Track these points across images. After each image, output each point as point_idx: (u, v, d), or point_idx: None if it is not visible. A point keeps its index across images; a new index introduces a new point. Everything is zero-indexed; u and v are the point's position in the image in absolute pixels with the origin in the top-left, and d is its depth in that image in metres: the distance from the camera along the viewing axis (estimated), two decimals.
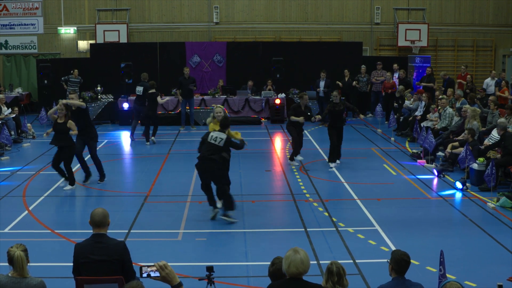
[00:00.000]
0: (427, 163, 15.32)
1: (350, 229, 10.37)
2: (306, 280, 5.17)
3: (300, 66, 24.37)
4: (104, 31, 26.30)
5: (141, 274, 4.76)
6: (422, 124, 17.40)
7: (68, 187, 13.00)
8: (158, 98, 18.63)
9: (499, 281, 7.26)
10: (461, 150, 13.69)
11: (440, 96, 18.01)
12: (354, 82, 23.53)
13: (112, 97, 23.07)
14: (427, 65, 23.73)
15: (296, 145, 15.34)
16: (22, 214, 11.33)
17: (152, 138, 18.49)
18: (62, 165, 12.97)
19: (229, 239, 10.17)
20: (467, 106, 16.18)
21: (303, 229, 10.42)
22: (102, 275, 5.89)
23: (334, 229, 10.42)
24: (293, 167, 15.02)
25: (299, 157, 15.38)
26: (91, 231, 6.10)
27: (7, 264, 5.66)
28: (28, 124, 19.70)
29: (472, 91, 20.71)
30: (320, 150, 16.66)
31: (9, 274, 5.61)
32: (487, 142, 14.16)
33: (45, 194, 12.73)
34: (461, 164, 13.64)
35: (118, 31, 26.37)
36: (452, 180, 13.64)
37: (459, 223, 11.07)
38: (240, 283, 8.26)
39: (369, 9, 27.38)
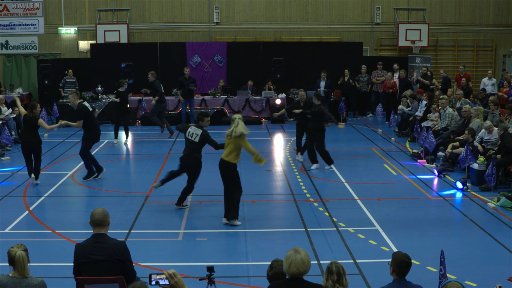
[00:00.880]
0: (428, 163, 15.33)
1: (351, 229, 10.37)
2: (306, 280, 5.18)
3: (301, 66, 24.39)
4: (104, 31, 26.30)
5: (150, 281, 4.77)
6: (422, 124, 17.40)
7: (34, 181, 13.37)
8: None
9: (499, 282, 7.25)
10: (462, 150, 13.69)
11: (441, 96, 18.01)
12: (350, 81, 23.53)
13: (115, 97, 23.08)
14: (426, 65, 23.73)
15: (297, 145, 15.64)
16: (23, 214, 11.34)
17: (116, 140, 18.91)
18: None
19: (230, 239, 10.18)
20: (468, 106, 16.19)
21: (304, 229, 10.43)
22: (103, 275, 5.89)
23: (335, 229, 10.43)
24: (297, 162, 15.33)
25: (299, 157, 15.48)
26: (92, 231, 6.10)
27: (7, 264, 5.67)
28: None
29: (469, 92, 20.67)
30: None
31: (10, 274, 5.62)
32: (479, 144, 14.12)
33: (46, 194, 12.74)
34: (461, 164, 13.65)
35: (119, 31, 26.37)
36: (452, 180, 13.65)
37: (460, 223, 11.08)
38: (240, 283, 8.27)
39: (369, 9, 27.37)
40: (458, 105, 17.73)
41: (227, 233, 10.40)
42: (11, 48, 27.19)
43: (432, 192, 13.07)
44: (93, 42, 26.35)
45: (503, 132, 13.60)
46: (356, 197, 12.51)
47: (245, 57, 24.71)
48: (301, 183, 13.66)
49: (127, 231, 10.31)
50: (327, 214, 11.31)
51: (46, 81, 23.87)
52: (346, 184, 13.64)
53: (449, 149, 14.80)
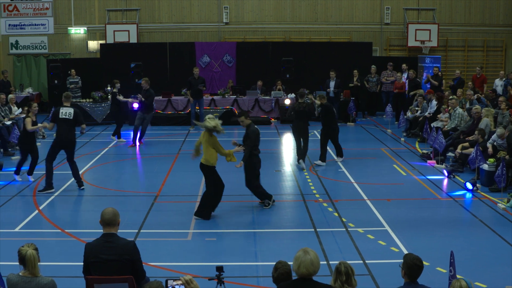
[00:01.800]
0: (437, 163, 15.28)
1: (360, 230, 10.35)
2: (316, 281, 5.17)
3: (310, 67, 24.36)
4: (114, 31, 26.37)
5: (167, 287, 4.79)
6: (432, 125, 17.34)
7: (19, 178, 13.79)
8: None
9: (509, 283, 7.22)
10: (471, 150, 13.64)
11: (451, 97, 17.94)
12: (357, 82, 23.47)
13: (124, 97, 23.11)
14: (437, 65, 23.62)
15: (297, 148, 15.35)
16: (33, 214, 11.39)
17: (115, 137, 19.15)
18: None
19: (239, 239, 10.19)
20: (478, 106, 16.13)
21: (313, 229, 10.42)
22: (112, 275, 5.90)
23: (344, 229, 10.41)
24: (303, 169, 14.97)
25: (301, 163, 15.15)
26: (101, 230, 6.12)
27: (17, 263, 5.69)
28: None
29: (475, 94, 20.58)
30: (329, 150, 16.59)
31: (20, 274, 5.64)
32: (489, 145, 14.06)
33: (56, 194, 12.79)
34: (471, 165, 13.59)
35: (128, 31, 26.43)
36: (462, 181, 13.59)
37: (469, 224, 11.03)
38: (250, 283, 8.27)
39: (379, 9, 27.30)
40: (468, 105, 17.66)
41: (236, 233, 10.40)
42: (21, 48, 27.30)
43: (441, 193, 13.03)
44: (102, 42, 26.43)
45: (509, 133, 13.57)
46: (365, 198, 12.48)
47: (254, 57, 24.71)
48: (311, 183, 13.65)
49: (137, 230, 10.33)
50: (336, 214, 11.30)
51: (56, 81, 23.95)
52: (355, 184, 13.62)
53: (458, 150, 14.75)
